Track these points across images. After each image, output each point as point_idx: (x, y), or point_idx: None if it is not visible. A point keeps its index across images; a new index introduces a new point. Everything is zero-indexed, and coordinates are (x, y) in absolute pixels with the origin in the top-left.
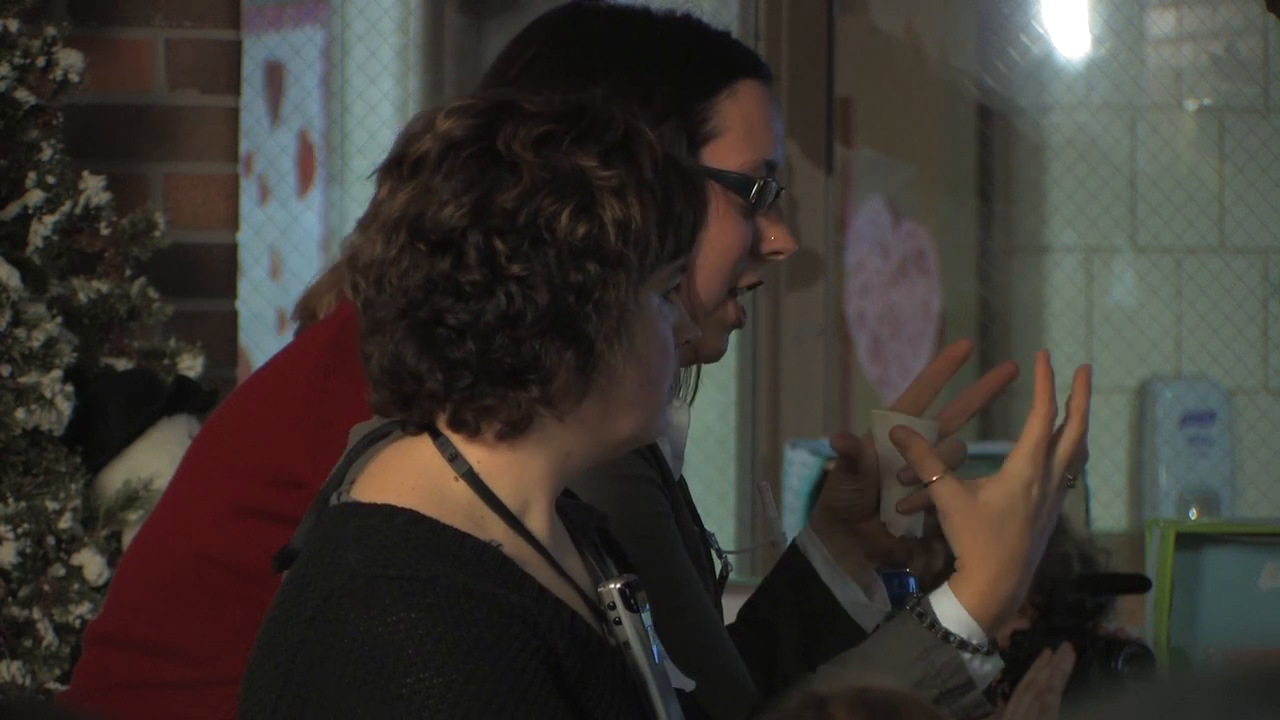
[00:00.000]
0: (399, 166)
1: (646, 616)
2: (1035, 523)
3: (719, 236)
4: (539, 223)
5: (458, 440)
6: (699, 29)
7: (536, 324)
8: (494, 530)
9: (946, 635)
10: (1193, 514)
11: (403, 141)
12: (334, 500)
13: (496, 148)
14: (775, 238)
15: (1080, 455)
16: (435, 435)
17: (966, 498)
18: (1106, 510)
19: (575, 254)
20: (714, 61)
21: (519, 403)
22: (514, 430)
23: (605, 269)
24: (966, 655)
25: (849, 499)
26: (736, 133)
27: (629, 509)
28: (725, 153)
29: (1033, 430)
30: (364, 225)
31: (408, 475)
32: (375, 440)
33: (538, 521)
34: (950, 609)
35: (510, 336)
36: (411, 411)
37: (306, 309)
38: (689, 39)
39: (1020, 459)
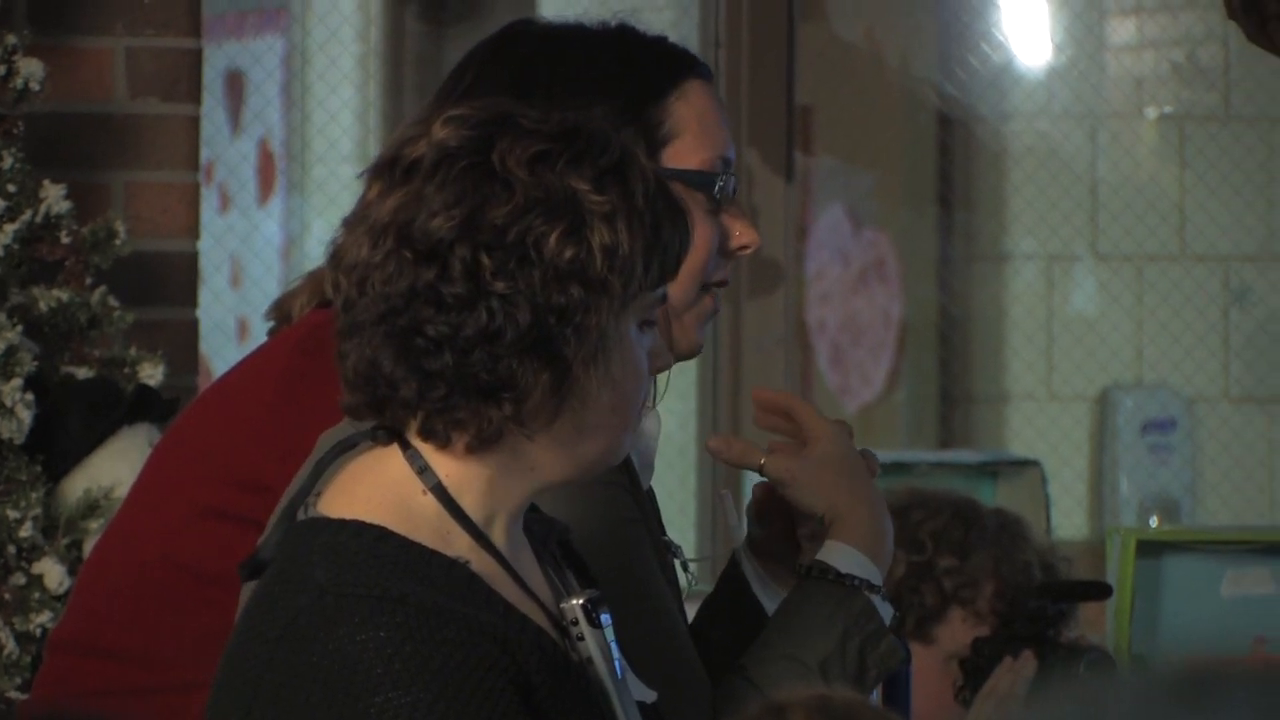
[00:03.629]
0: (391, 169)
1: (609, 631)
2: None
3: None
4: (527, 242)
5: (427, 451)
6: (636, 37)
7: (516, 343)
8: (460, 544)
9: (854, 582)
10: (1154, 522)
11: (396, 144)
12: (302, 513)
13: (491, 162)
14: (740, 232)
15: None
16: (405, 446)
17: (803, 459)
18: (1067, 518)
19: (560, 276)
20: (659, 65)
21: (490, 418)
22: (483, 444)
23: (589, 293)
24: (875, 598)
25: (770, 546)
26: (692, 132)
27: (599, 513)
28: (684, 153)
29: (799, 404)
30: (350, 224)
31: (376, 489)
32: (344, 450)
33: (502, 536)
34: (844, 556)
35: (488, 353)
36: (383, 416)
37: (282, 310)
38: (630, 48)
39: (812, 417)
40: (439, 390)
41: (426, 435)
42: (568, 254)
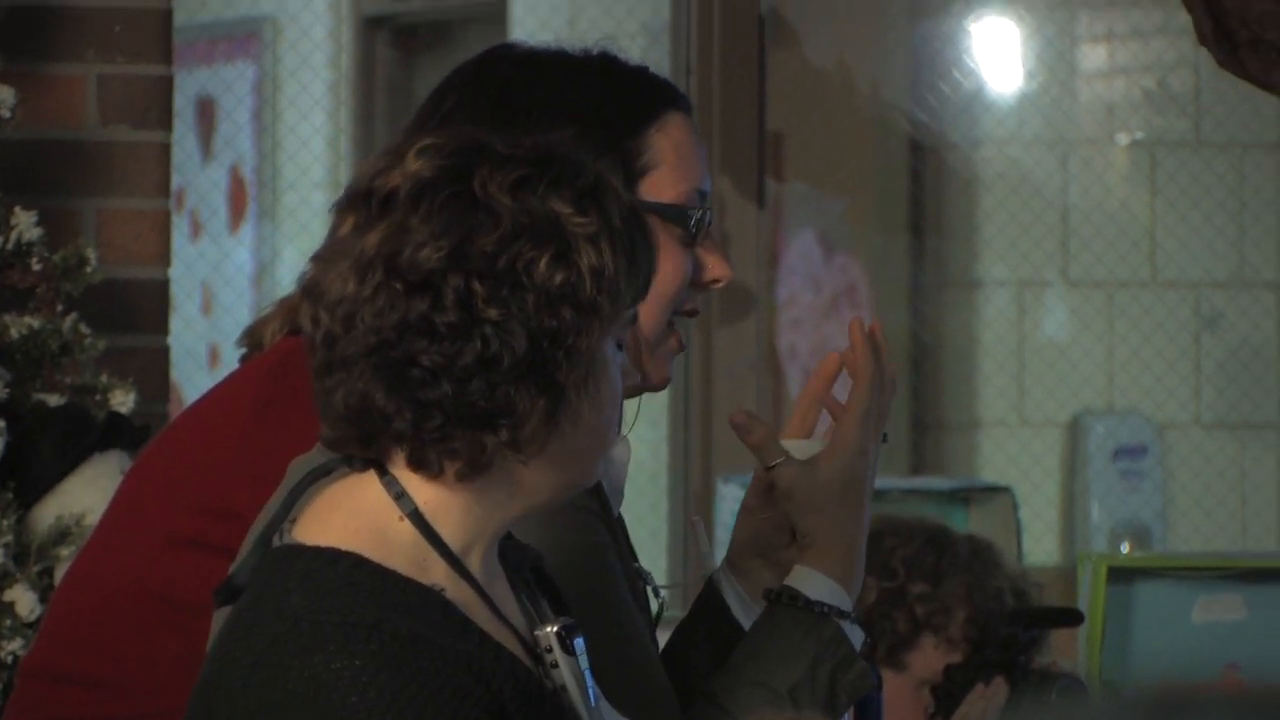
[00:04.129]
0: (366, 202)
1: (583, 659)
2: (869, 484)
3: (662, 268)
4: (518, 267)
5: (405, 477)
6: (618, 66)
7: (513, 369)
8: (436, 571)
9: (823, 609)
10: (1125, 548)
11: (368, 176)
12: (277, 540)
13: (473, 190)
14: (713, 265)
15: (886, 413)
16: (382, 473)
17: (809, 477)
18: (1038, 544)
19: (552, 300)
20: (640, 96)
21: (485, 445)
22: (475, 471)
23: (580, 316)
24: (844, 624)
25: (764, 531)
26: (669, 164)
27: (571, 540)
28: (661, 185)
29: (860, 399)
30: (323, 259)
31: (352, 516)
32: (320, 476)
33: (479, 563)
34: (816, 584)
35: (486, 380)
36: (369, 449)
37: (253, 338)
38: (611, 77)
39: (851, 427)
40: (435, 420)
41: (416, 465)
42: (558, 278)
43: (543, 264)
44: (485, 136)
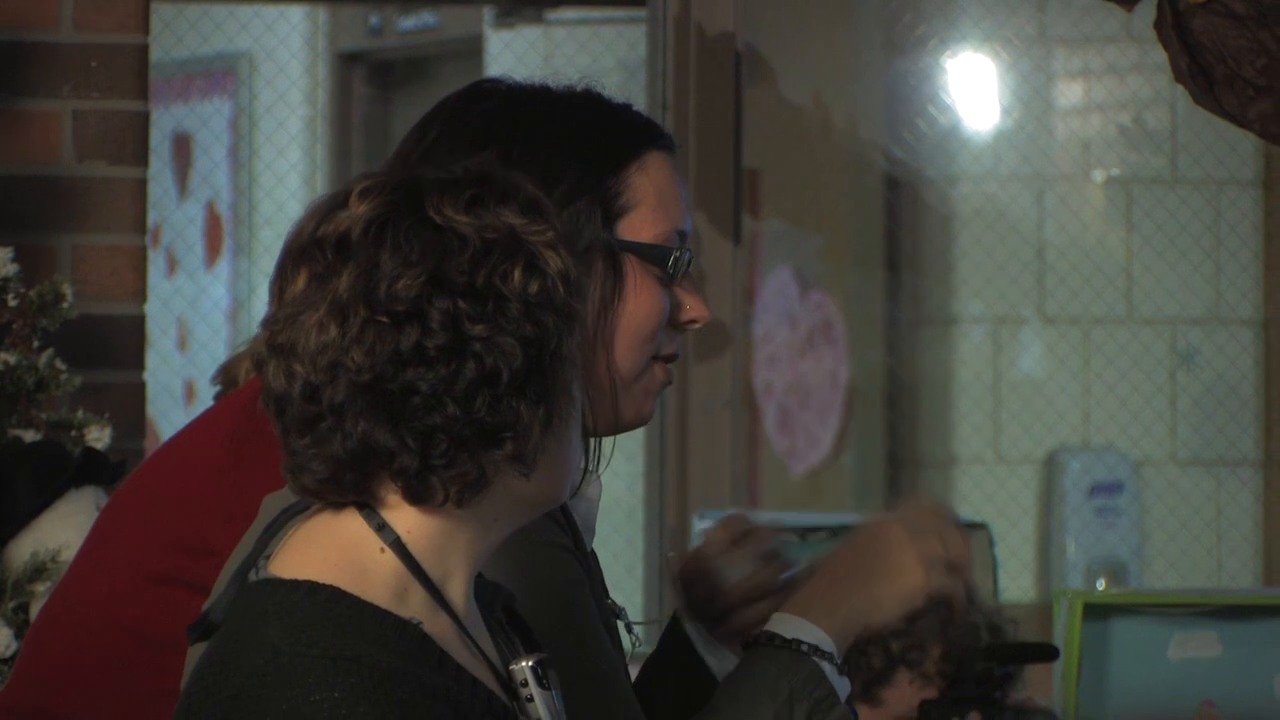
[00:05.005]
0: (320, 251)
1: (557, 694)
2: (903, 583)
3: (639, 307)
4: (495, 282)
5: (387, 511)
6: (600, 104)
7: (512, 381)
8: (415, 603)
9: (799, 646)
10: (1101, 585)
11: (309, 230)
12: (253, 575)
13: (430, 217)
14: (690, 306)
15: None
16: (361, 505)
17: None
18: (1014, 581)
19: (532, 309)
20: (621, 135)
21: (487, 463)
22: (475, 492)
23: (560, 320)
24: (825, 665)
25: (704, 616)
26: (649, 204)
27: (547, 575)
28: (640, 225)
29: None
30: (286, 317)
31: (330, 549)
32: (296, 513)
33: (457, 594)
34: (791, 625)
35: (491, 395)
36: (363, 492)
37: (228, 375)
38: (593, 115)
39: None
40: (440, 446)
41: (415, 497)
42: (534, 286)
43: (517, 275)
44: (418, 171)
